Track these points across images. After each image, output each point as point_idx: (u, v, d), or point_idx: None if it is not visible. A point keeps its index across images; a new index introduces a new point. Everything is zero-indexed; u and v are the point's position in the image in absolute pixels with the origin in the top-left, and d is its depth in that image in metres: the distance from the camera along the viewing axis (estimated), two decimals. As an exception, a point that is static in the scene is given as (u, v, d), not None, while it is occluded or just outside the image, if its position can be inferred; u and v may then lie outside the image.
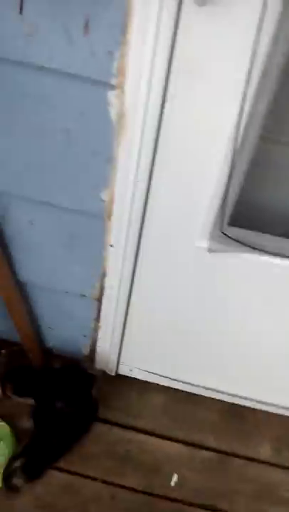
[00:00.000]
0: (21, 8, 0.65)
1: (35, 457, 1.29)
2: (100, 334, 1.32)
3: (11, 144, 0.85)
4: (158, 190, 0.87)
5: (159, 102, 0.72)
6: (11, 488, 1.24)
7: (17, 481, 1.24)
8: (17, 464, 1.25)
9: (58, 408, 1.32)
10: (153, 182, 0.85)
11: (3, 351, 1.47)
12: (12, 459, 1.26)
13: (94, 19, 0.64)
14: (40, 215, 0.99)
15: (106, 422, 1.40)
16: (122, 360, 1.42)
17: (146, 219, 0.93)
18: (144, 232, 0.96)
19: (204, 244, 0.95)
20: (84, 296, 1.19)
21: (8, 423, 1.32)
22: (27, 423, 1.34)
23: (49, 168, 0.88)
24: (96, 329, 1.31)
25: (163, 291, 1.12)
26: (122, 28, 0.65)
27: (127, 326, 1.27)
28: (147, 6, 0.61)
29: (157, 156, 0.81)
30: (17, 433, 1.32)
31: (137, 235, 0.96)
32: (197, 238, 0.94)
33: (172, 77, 0.69)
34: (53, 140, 0.82)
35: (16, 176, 0.91)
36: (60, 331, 1.39)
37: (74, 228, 1.00)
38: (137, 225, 0.93)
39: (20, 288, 1.21)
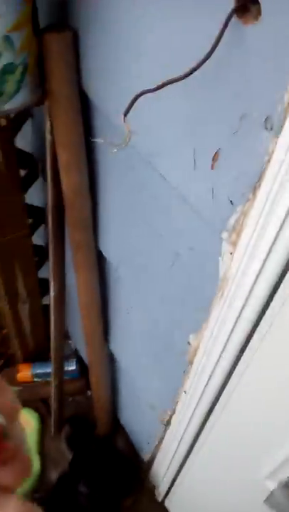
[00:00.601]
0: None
1: None
2: (159, 457, 1.12)
3: (123, 232, 0.75)
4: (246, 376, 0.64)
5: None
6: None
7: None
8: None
9: (84, 487, 1.19)
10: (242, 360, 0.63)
11: (89, 392, 1.41)
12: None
13: (225, 154, 0.47)
14: (137, 308, 0.86)
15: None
16: (170, 495, 1.19)
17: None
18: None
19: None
20: (154, 409, 1.02)
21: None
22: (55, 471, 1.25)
23: (150, 272, 0.74)
24: (157, 448, 1.12)
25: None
26: (253, 182, 0.45)
27: (183, 470, 1.04)
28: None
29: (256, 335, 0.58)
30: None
31: (215, 390, 0.74)
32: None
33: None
34: (162, 251, 0.68)
35: (126, 255, 0.80)
36: (133, 418, 1.24)
37: (158, 348, 0.84)
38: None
39: (110, 358, 1.11)
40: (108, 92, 0.61)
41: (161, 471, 1.14)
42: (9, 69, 0.58)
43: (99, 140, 0.65)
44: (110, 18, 0.54)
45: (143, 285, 0.80)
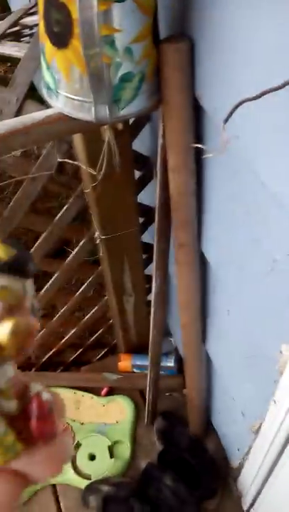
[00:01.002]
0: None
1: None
2: (247, 465, 1.11)
3: (224, 234, 0.76)
4: None
5: None
6: (84, 500, 1.26)
7: (93, 501, 1.25)
8: (104, 488, 1.25)
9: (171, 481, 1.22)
10: None
11: (185, 390, 1.44)
12: (104, 481, 1.26)
13: None
14: (233, 310, 0.87)
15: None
16: (256, 505, 1.17)
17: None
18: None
19: None
20: (245, 416, 1.01)
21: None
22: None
23: (248, 277, 0.75)
24: (246, 456, 1.11)
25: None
26: None
27: (269, 482, 1.02)
28: None
29: None
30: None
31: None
32: None
33: None
34: (260, 256, 0.68)
35: (226, 258, 0.82)
36: (225, 422, 1.25)
37: (251, 353, 0.84)
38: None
39: (206, 358, 1.13)
40: (218, 99, 0.63)
41: (249, 479, 1.13)
42: (127, 77, 0.63)
43: (200, 146, 0.67)
44: (224, 27, 0.57)
45: (241, 289, 0.80)
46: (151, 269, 1.24)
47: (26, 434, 0.22)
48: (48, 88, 0.68)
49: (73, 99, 0.65)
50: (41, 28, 0.63)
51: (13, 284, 0.20)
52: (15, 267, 0.20)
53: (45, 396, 0.22)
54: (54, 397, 0.23)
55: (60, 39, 0.60)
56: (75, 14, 0.55)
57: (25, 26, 1.13)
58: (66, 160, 0.94)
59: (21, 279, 0.20)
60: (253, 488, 1.12)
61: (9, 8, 2.45)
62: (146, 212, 1.18)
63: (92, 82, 0.60)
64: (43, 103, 0.97)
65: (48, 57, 0.64)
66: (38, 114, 0.67)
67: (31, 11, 1.11)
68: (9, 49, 0.96)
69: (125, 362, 1.45)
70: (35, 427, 0.21)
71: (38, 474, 0.23)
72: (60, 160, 0.92)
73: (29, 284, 0.21)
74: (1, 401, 0.21)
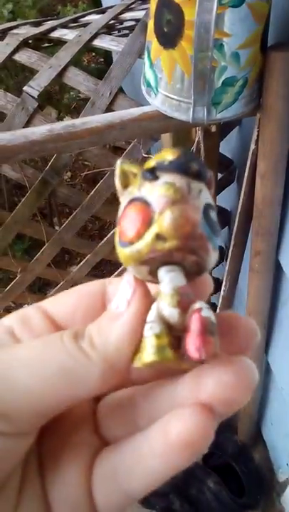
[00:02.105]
0: None
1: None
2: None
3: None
4: None
5: None
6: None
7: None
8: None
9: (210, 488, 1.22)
10: None
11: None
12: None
13: None
14: None
15: None
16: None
17: None
18: None
19: None
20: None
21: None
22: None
23: None
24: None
25: None
26: None
27: None
28: None
29: None
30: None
31: None
32: None
33: None
34: None
35: None
36: (276, 435, 1.22)
37: None
38: None
39: (266, 369, 1.11)
40: None
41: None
42: (230, 82, 0.63)
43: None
44: None
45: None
46: (218, 273, 1.24)
47: (183, 351, 0.20)
48: (148, 85, 0.68)
49: (172, 98, 0.66)
50: (150, 26, 0.64)
51: (176, 181, 0.20)
52: (178, 166, 0.20)
53: (206, 313, 0.19)
54: (221, 320, 0.20)
55: (169, 39, 0.60)
56: (190, 16, 0.55)
57: (123, 20, 1.14)
58: (151, 156, 0.95)
59: (186, 177, 0.20)
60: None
61: (101, 4, 2.49)
62: (222, 214, 1.17)
63: (196, 83, 0.61)
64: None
65: (154, 55, 0.64)
66: (135, 111, 0.69)
67: (131, 6, 1.12)
68: (107, 43, 0.98)
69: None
70: (190, 342, 0.19)
71: (225, 400, 0.20)
72: (145, 155, 0.93)
73: (197, 185, 0.21)
74: (164, 305, 0.20)
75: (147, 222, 0.20)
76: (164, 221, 0.20)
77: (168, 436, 0.20)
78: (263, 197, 0.76)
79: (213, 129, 0.82)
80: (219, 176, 1.06)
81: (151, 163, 0.21)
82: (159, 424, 0.20)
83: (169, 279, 0.21)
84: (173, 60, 0.62)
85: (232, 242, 0.91)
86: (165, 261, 0.21)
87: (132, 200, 0.21)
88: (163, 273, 0.21)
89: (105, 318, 0.21)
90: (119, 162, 0.22)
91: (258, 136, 0.72)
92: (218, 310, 1.06)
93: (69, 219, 1.07)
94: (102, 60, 2.68)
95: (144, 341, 0.20)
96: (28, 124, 0.89)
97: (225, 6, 0.55)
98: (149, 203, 0.20)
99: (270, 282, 0.89)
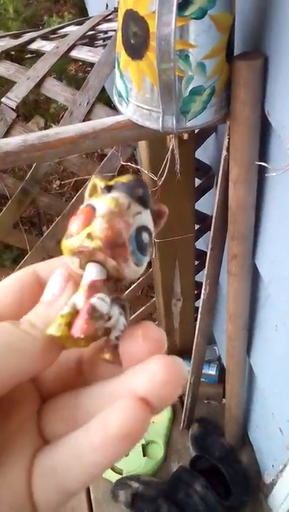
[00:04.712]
0: None
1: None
2: (279, 483, 1.10)
3: (280, 251, 0.76)
4: None
5: None
6: (113, 494, 1.29)
7: (122, 496, 1.28)
8: (134, 485, 1.27)
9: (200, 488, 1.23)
10: None
11: (224, 400, 1.44)
12: (135, 478, 1.29)
13: None
14: (283, 327, 0.87)
15: None
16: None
17: None
18: None
19: None
20: (283, 433, 1.00)
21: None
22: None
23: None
24: (280, 474, 1.10)
25: None
26: None
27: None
28: None
29: None
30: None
31: None
32: None
33: None
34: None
35: (279, 274, 0.81)
36: (261, 437, 1.24)
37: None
38: None
39: (249, 371, 1.12)
40: (287, 117, 0.63)
41: (280, 497, 1.12)
42: (198, 91, 0.64)
43: (264, 164, 0.67)
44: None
45: (291, 307, 0.80)
46: (202, 276, 1.25)
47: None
48: (120, 95, 0.70)
49: (142, 108, 0.67)
50: (119, 38, 0.65)
51: (121, 198, 0.24)
52: (126, 188, 0.24)
53: (94, 300, 0.23)
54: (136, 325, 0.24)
55: (136, 51, 0.62)
56: (154, 28, 0.57)
57: (100, 31, 1.16)
58: (129, 163, 0.97)
59: (129, 198, 0.24)
60: (283, 507, 1.11)
61: (87, 12, 2.52)
62: (203, 219, 1.19)
63: (163, 93, 0.62)
64: (110, 105, 1.00)
65: (123, 66, 0.66)
66: (107, 120, 0.70)
67: (109, 17, 1.14)
68: (85, 54, 1.00)
69: (167, 364, 1.47)
70: (75, 323, 0.23)
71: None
72: (123, 163, 0.95)
73: (137, 208, 0.24)
74: (77, 293, 0.24)
75: (87, 223, 0.24)
76: (95, 224, 0.23)
77: (107, 429, 0.21)
78: (237, 202, 0.78)
79: (185, 136, 0.83)
80: (198, 181, 1.08)
81: (111, 182, 0.25)
82: (98, 418, 0.22)
83: (87, 272, 0.24)
84: (141, 71, 0.63)
85: (209, 246, 0.92)
86: (91, 258, 0.24)
87: (86, 205, 0.25)
88: (87, 267, 0.24)
89: (41, 305, 0.25)
90: (93, 176, 0.26)
91: (228, 142, 0.73)
92: (199, 315, 1.07)
93: (51, 227, 1.08)
94: (89, 69, 2.70)
95: None
96: (6, 134, 0.91)
97: (187, 18, 0.57)
98: (95, 209, 0.24)
99: (248, 285, 0.91)
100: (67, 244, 0.24)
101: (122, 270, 0.24)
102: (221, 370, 1.43)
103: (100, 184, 0.25)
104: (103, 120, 0.70)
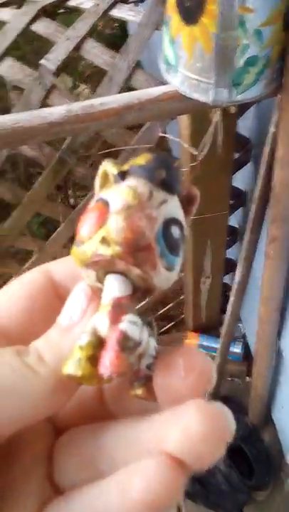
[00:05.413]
0: None
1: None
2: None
3: None
4: None
5: None
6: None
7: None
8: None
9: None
10: None
11: (247, 378, 1.43)
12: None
13: None
14: None
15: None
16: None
17: None
18: None
19: None
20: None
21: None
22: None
23: None
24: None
25: None
26: None
27: None
28: None
29: None
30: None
31: None
32: None
33: None
34: None
35: None
36: (285, 417, 1.23)
37: None
38: None
39: (277, 355, 1.11)
40: None
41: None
42: (252, 61, 0.60)
43: None
44: None
45: None
46: (232, 254, 1.22)
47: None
48: (168, 63, 0.66)
49: (192, 78, 0.63)
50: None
51: (139, 186, 0.19)
52: (144, 171, 0.19)
53: (124, 326, 0.17)
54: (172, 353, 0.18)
55: (190, 15, 0.58)
56: (212, -9, 0.53)
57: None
58: (168, 135, 0.93)
59: (150, 184, 0.19)
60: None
61: None
62: (237, 195, 1.15)
63: (218, 63, 0.58)
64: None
65: (174, 31, 0.62)
66: (153, 91, 0.66)
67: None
68: (126, 13, 0.94)
69: (192, 340, 1.46)
70: (103, 357, 0.18)
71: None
72: (162, 135, 0.91)
73: (161, 195, 0.19)
74: (98, 315, 0.19)
75: (101, 223, 0.18)
76: (110, 223, 0.18)
77: (127, 493, 0.17)
78: (281, 183, 0.74)
79: (233, 110, 0.79)
80: (236, 155, 1.04)
81: (126, 166, 0.20)
82: (118, 476, 0.18)
83: (107, 287, 0.19)
84: (194, 38, 0.59)
85: (248, 227, 0.89)
86: (109, 268, 0.19)
87: (97, 200, 0.19)
88: (106, 281, 0.19)
89: (55, 331, 0.20)
90: (104, 162, 0.20)
91: (278, 118, 0.69)
92: (232, 297, 1.05)
93: (85, 199, 1.06)
94: (116, 25, 2.58)
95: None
96: (45, 99, 0.87)
97: (248, -20, 0.53)
98: (109, 204, 0.19)
99: (285, 269, 0.88)
100: (77, 253, 0.19)
101: (151, 279, 0.19)
102: (246, 348, 1.41)
103: (112, 170, 0.19)
104: (149, 91, 0.66)
